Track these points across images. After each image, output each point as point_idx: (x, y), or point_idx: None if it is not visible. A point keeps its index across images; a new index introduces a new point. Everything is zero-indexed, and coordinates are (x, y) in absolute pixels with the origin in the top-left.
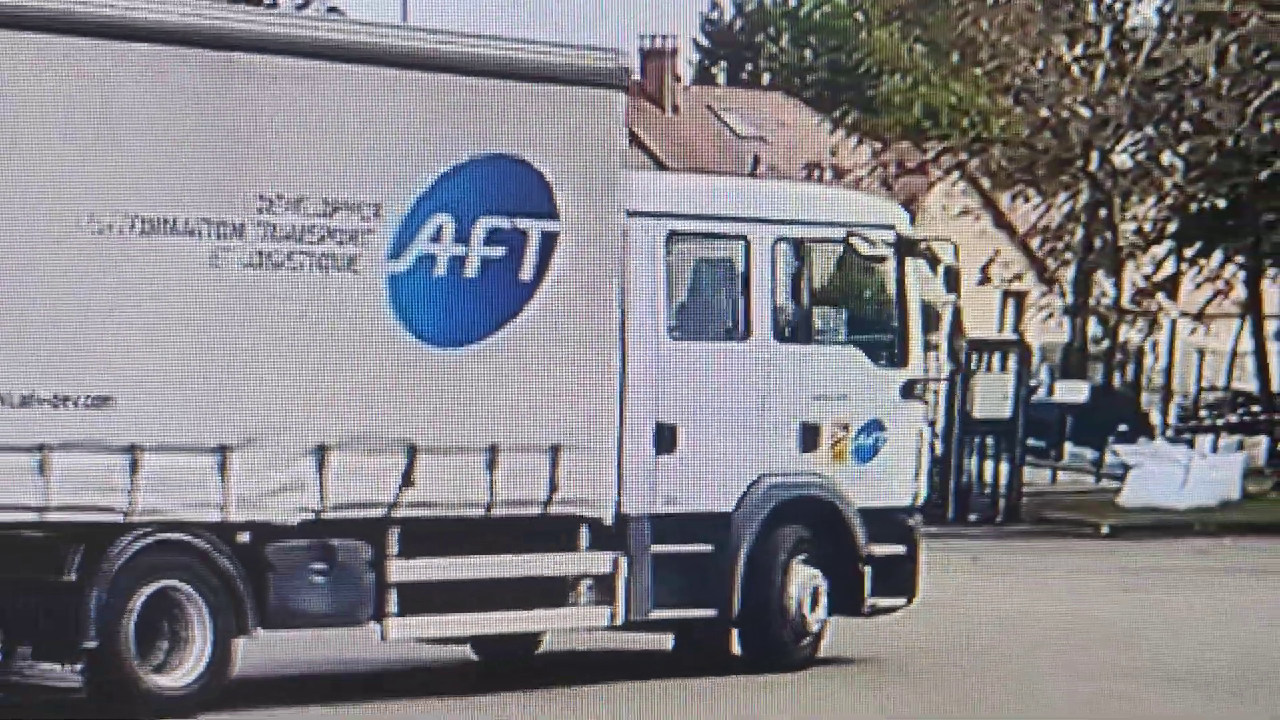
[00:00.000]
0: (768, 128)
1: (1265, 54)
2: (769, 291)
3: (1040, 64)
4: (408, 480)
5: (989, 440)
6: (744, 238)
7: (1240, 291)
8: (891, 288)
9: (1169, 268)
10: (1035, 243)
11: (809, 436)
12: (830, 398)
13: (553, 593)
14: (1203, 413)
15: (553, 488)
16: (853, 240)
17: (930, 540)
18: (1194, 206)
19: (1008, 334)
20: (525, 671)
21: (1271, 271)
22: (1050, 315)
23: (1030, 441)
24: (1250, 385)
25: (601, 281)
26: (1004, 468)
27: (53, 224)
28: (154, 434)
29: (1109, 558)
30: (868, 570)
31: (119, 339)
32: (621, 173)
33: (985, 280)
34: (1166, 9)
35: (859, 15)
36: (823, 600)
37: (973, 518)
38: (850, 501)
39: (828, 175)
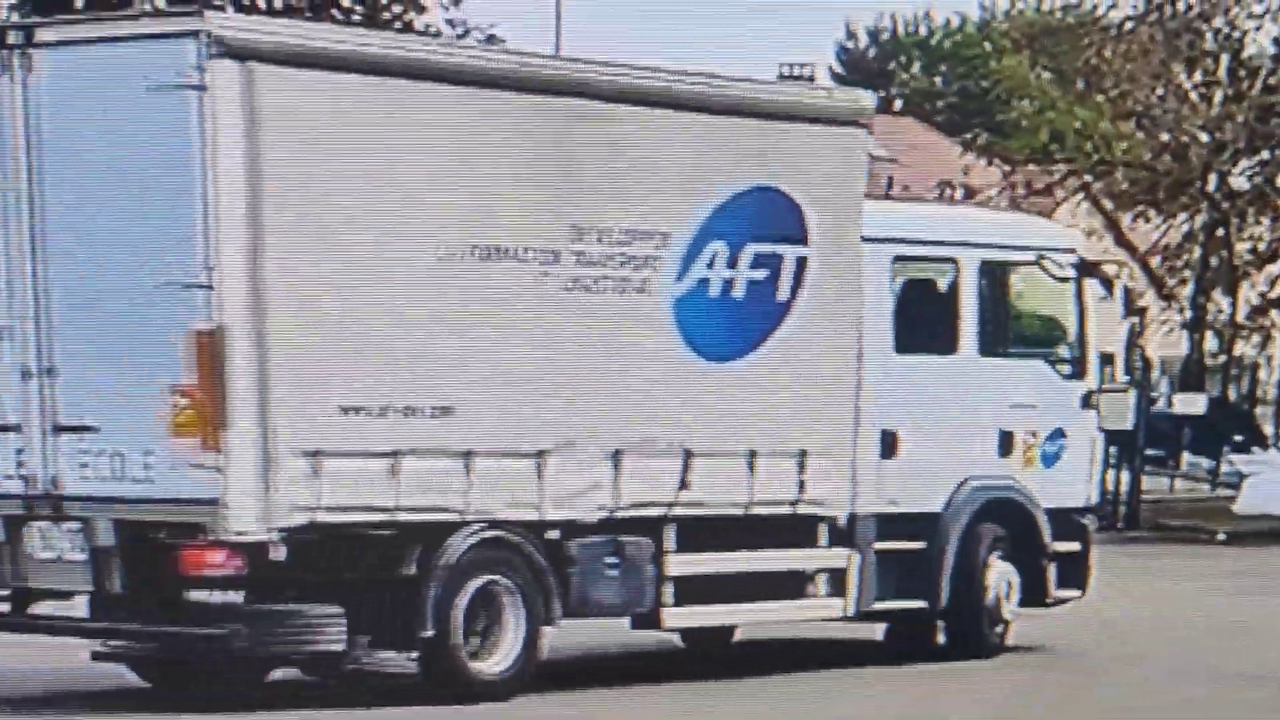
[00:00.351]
0: (900, 150)
1: None
2: (974, 309)
3: (1161, 91)
4: (684, 482)
5: (1111, 450)
6: (954, 260)
7: None
8: (1071, 306)
9: None
10: (1155, 261)
11: (1005, 443)
12: (1023, 407)
13: (795, 586)
14: None
15: (800, 489)
16: (1044, 262)
17: None
18: None
19: (1136, 348)
20: (735, 658)
21: None
22: (1169, 330)
23: (1149, 451)
24: None
25: (843, 300)
26: (1124, 476)
27: (410, 252)
28: (486, 440)
29: (1224, 563)
30: (1051, 565)
31: (458, 354)
32: (861, 202)
33: (1110, 296)
34: None
35: (988, 44)
36: (1015, 593)
37: (1096, 523)
38: (1038, 502)
39: (959, 195)
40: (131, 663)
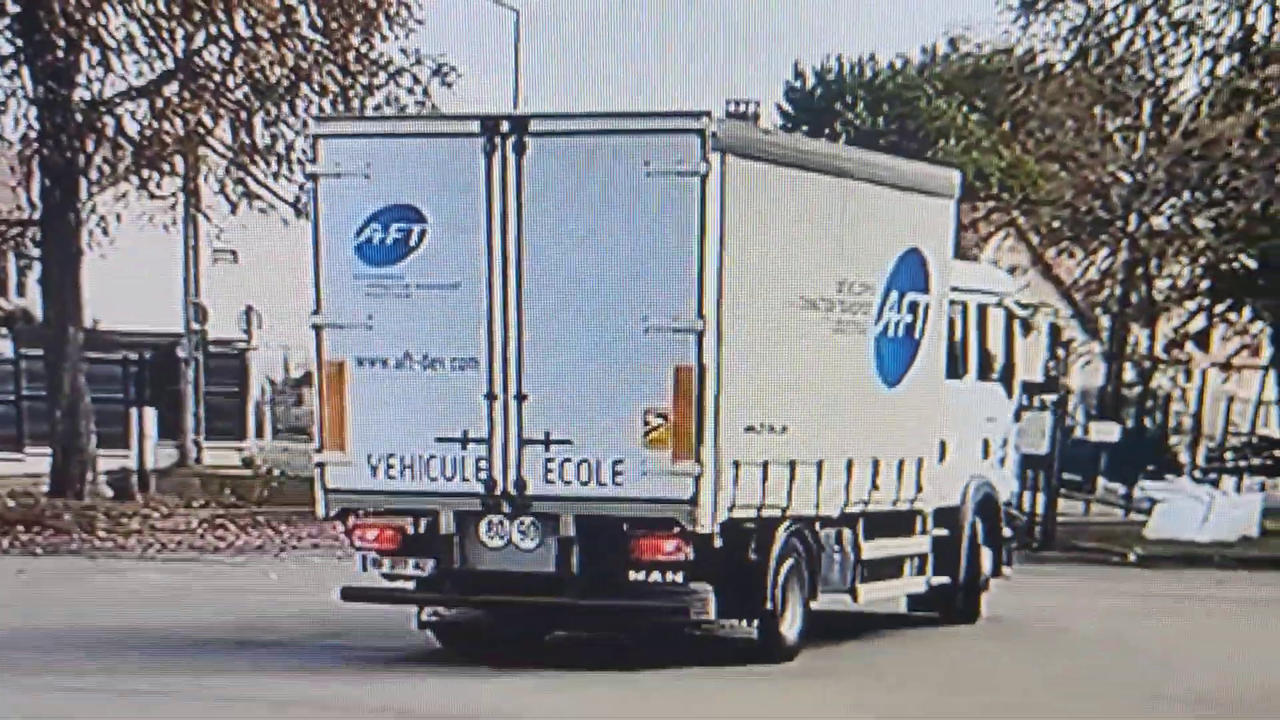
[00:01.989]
0: None
1: None
2: (976, 342)
3: (1085, 133)
4: (874, 484)
5: (1029, 473)
6: (965, 304)
7: (1267, 346)
8: (1003, 338)
9: (1200, 321)
10: (1078, 295)
11: (985, 449)
12: (991, 420)
13: (900, 567)
14: (1229, 455)
15: (918, 489)
16: (1007, 304)
17: None
18: (1224, 266)
19: (1053, 377)
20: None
21: None
22: (1089, 362)
23: (1067, 476)
24: (1274, 431)
25: (940, 337)
26: (1041, 498)
27: (773, 304)
28: (800, 452)
29: (1133, 584)
30: (1004, 547)
31: (792, 385)
32: (950, 258)
33: (1030, 330)
34: (1204, 84)
35: (927, 86)
36: (988, 569)
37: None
38: (1000, 496)
39: None
40: (438, 629)
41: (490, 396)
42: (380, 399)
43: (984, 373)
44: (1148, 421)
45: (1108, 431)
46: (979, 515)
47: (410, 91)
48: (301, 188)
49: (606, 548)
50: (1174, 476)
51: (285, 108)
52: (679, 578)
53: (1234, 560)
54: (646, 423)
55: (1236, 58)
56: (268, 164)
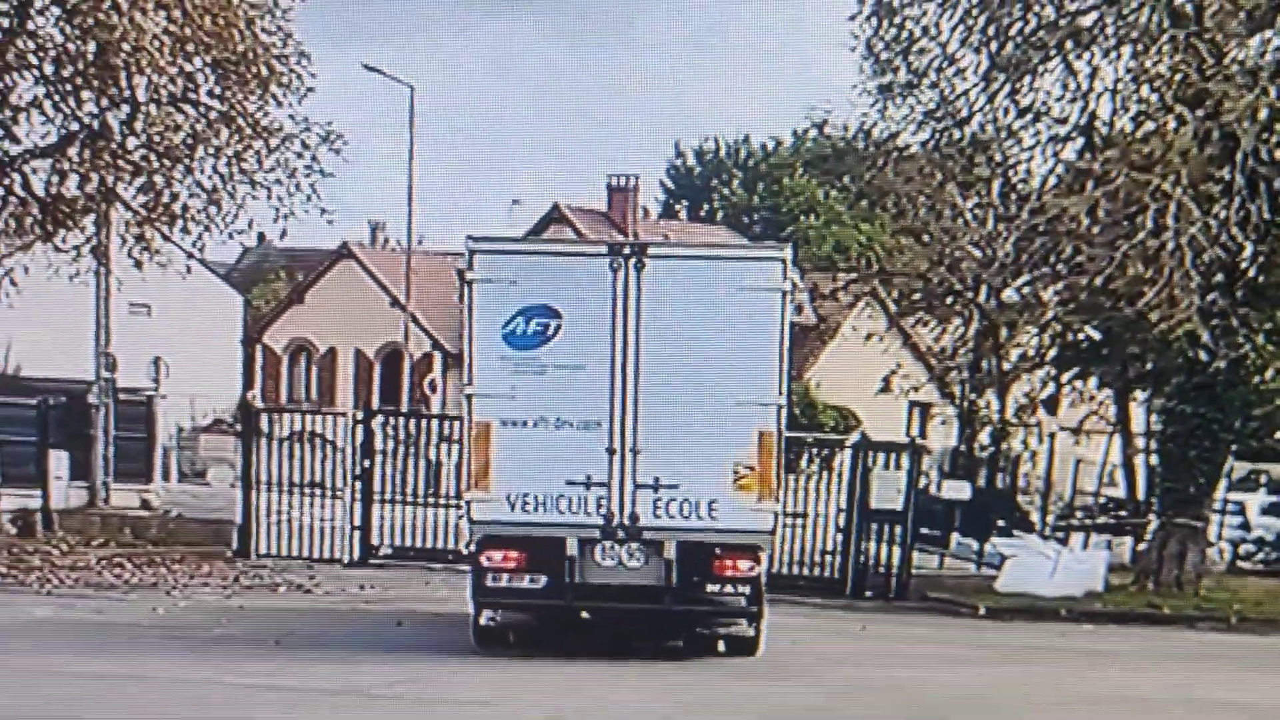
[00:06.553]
0: None
1: (1134, 208)
2: None
3: (937, 210)
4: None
5: (885, 527)
6: None
7: (1111, 410)
8: None
9: (1050, 388)
10: (933, 361)
11: None
12: None
13: None
14: (1077, 514)
15: None
16: None
17: (829, 610)
18: (1070, 337)
19: (910, 438)
20: None
21: (1138, 394)
22: (945, 423)
23: (925, 531)
24: (1120, 491)
25: None
26: (897, 552)
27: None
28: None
29: (981, 634)
30: None
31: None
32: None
33: (885, 390)
34: (1048, 167)
35: (800, 168)
36: None
37: (868, 594)
38: None
39: None
40: (489, 631)
41: (610, 450)
42: (518, 451)
43: None
44: (999, 481)
45: (959, 490)
46: None
47: (299, 156)
48: (199, 247)
49: (694, 566)
50: (1024, 534)
51: (182, 169)
52: (746, 589)
53: (1078, 614)
54: (736, 473)
55: (1080, 142)
56: (165, 222)
